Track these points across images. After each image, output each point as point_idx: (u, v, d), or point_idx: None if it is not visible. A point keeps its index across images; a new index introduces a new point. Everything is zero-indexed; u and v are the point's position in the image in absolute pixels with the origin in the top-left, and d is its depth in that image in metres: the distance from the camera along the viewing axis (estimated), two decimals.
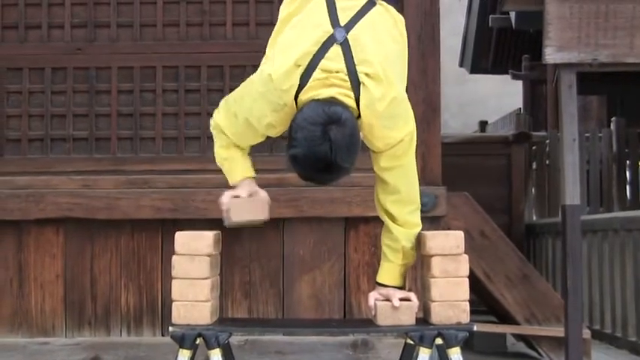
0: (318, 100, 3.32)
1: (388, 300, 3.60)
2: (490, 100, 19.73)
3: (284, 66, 3.41)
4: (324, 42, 3.42)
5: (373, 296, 3.66)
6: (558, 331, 5.38)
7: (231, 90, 5.13)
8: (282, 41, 3.55)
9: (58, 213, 5.07)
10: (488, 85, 19.33)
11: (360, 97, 3.37)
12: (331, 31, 3.45)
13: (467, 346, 5.78)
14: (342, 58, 3.40)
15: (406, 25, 5.11)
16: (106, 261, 5.14)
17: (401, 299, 3.59)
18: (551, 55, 4.98)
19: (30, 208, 5.07)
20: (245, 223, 3.65)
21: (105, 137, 5.24)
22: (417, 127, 5.04)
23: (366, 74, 3.38)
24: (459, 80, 18.67)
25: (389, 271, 3.66)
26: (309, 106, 3.30)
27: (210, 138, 5.16)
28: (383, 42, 3.52)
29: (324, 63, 3.39)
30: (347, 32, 3.45)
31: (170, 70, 5.25)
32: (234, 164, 3.65)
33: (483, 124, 14.64)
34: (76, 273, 5.14)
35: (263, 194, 3.65)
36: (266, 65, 3.54)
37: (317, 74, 3.37)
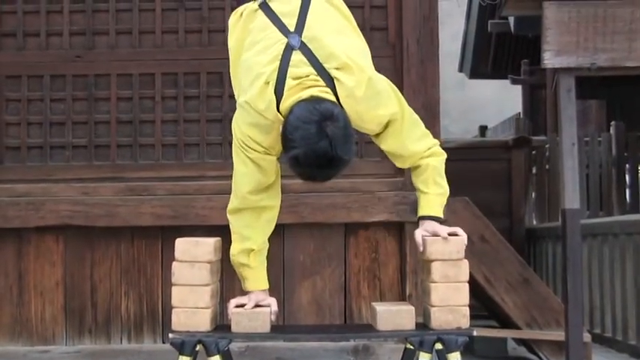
0: (304, 99, 3.34)
1: (435, 235, 3.57)
2: (490, 105, 19.75)
3: (255, 88, 3.45)
4: (283, 53, 3.46)
5: (419, 233, 3.62)
6: (559, 335, 5.38)
7: (230, 97, 5.17)
8: (244, 68, 3.58)
9: (57, 220, 5.07)
10: (488, 90, 19.35)
11: (337, 91, 3.41)
12: (285, 40, 3.49)
13: (468, 351, 5.79)
14: (307, 62, 3.44)
15: (405, 30, 5.18)
16: (106, 268, 5.14)
17: (449, 234, 3.57)
18: (550, 59, 4.99)
19: (30, 215, 5.07)
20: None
21: (104, 144, 5.24)
22: None
23: (336, 68, 3.43)
24: (458, 85, 18.70)
25: (427, 203, 3.63)
26: (299, 106, 3.33)
27: (209, 145, 5.20)
28: (335, 30, 3.57)
29: (291, 71, 3.42)
30: (300, 36, 3.49)
31: (169, 77, 5.25)
32: (249, 273, 3.68)
33: (483, 129, 14.66)
34: (76, 280, 5.13)
35: (268, 307, 3.65)
36: (240, 98, 3.56)
37: (289, 83, 3.41)
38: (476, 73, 14.65)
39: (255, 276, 3.66)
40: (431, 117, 5.14)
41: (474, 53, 14.14)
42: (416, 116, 3.63)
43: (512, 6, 5.47)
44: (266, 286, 3.70)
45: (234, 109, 4.46)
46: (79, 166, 5.22)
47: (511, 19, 11.12)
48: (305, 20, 3.53)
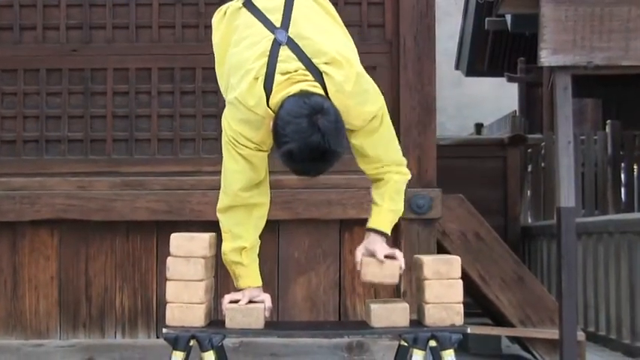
0: (294, 94, 3.34)
1: (373, 256, 3.58)
2: (486, 102, 19.74)
3: (244, 84, 3.45)
4: (271, 48, 3.46)
5: (360, 250, 3.64)
6: (553, 333, 5.38)
7: None
8: (232, 65, 3.58)
9: (52, 214, 5.07)
10: (484, 87, 19.35)
11: (326, 85, 3.42)
12: (272, 36, 3.49)
13: (462, 348, 5.78)
14: (295, 57, 3.45)
15: (402, 27, 5.18)
16: (100, 263, 5.14)
17: (385, 256, 3.58)
18: (547, 57, 4.99)
19: (25, 209, 5.07)
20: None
21: (100, 139, 5.23)
22: (412, 129, 5.13)
23: (325, 63, 3.43)
24: (455, 83, 18.70)
25: (377, 215, 3.65)
26: (289, 101, 3.34)
27: (204, 140, 5.20)
28: (321, 27, 3.58)
29: (280, 67, 3.43)
30: (286, 31, 3.49)
31: (166, 72, 5.25)
32: (242, 271, 3.65)
33: (479, 127, 14.64)
34: (70, 275, 5.13)
35: (262, 303, 3.64)
36: (229, 95, 3.56)
37: (278, 79, 3.41)
38: (472, 70, 14.66)
39: (248, 273, 3.66)
40: (427, 114, 5.15)
41: (471, 51, 14.15)
42: (394, 132, 3.64)
43: (509, 4, 5.47)
44: (259, 282, 3.69)
45: None
46: (75, 160, 5.22)
47: (508, 17, 11.13)
48: (290, 16, 3.54)
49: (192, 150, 5.22)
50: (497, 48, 13.91)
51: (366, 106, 3.49)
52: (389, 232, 3.66)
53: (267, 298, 3.67)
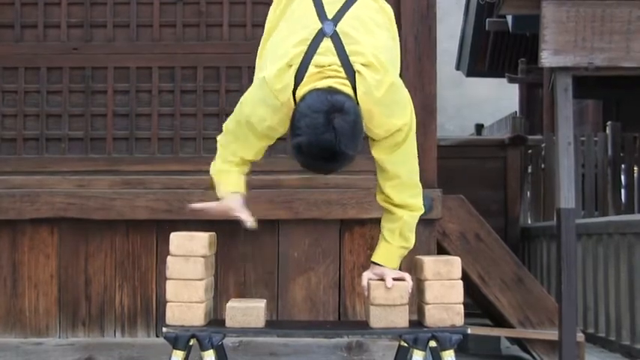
0: (319, 88, 3.31)
1: (382, 279, 3.57)
2: (486, 103, 19.76)
3: (276, 67, 3.40)
4: (314, 38, 3.41)
5: (366, 276, 3.63)
6: (552, 334, 5.39)
7: (227, 91, 5.19)
8: (272, 45, 3.55)
9: (52, 213, 5.06)
10: (485, 88, 19.37)
11: (357, 84, 3.36)
12: (320, 25, 3.43)
13: (461, 349, 5.78)
14: (334, 51, 3.39)
15: (404, 27, 5.17)
16: (100, 261, 5.13)
17: (394, 279, 3.57)
18: (547, 58, 4.99)
19: (25, 207, 5.06)
20: None
21: (100, 137, 5.23)
22: None
23: (361, 64, 3.37)
24: (455, 83, 18.71)
25: (385, 251, 3.62)
26: (312, 94, 3.29)
27: (205, 139, 5.20)
28: (372, 31, 3.52)
29: (316, 59, 3.38)
30: (335, 25, 3.44)
31: (166, 71, 5.24)
32: (227, 177, 3.61)
33: (479, 127, 14.65)
34: (70, 273, 5.13)
35: (262, 302, 3.66)
36: (260, 72, 3.54)
37: (311, 70, 3.36)
38: (473, 71, 14.65)
39: (232, 180, 3.60)
40: (428, 114, 5.14)
41: (472, 51, 14.15)
42: (416, 152, 3.59)
43: (510, 5, 5.47)
44: (242, 190, 3.61)
45: (231, 104, 4.41)
46: (75, 159, 5.21)
47: (509, 18, 11.12)
48: (346, 11, 3.47)
49: (192, 149, 5.22)
50: (498, 49, 13.90)
51: (391, 117, 3.43)
52: (397, 266, 3.65)
53: (246, 214, 3.56)
